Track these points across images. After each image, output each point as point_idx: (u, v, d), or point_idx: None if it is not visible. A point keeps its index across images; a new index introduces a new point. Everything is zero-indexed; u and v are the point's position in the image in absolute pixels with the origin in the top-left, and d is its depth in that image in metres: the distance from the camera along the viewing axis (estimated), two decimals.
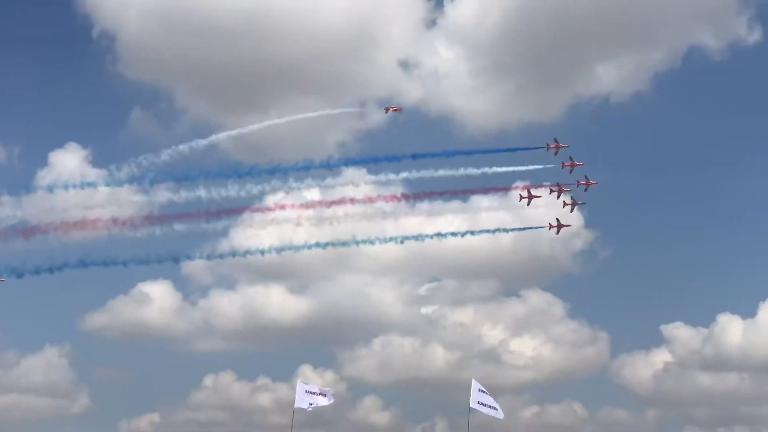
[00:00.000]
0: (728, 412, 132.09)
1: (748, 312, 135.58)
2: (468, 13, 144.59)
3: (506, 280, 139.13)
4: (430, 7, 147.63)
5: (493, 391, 64.07)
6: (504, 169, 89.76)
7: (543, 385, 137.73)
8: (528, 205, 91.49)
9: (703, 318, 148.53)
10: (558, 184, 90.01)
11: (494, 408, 62.30)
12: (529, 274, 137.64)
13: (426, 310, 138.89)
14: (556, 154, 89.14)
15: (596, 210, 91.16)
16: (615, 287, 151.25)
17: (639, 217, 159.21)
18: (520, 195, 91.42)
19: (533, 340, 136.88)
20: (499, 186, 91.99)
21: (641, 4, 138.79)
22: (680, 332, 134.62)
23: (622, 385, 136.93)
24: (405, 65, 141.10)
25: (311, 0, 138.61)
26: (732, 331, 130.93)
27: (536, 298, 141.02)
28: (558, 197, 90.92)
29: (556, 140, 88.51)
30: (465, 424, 62.77)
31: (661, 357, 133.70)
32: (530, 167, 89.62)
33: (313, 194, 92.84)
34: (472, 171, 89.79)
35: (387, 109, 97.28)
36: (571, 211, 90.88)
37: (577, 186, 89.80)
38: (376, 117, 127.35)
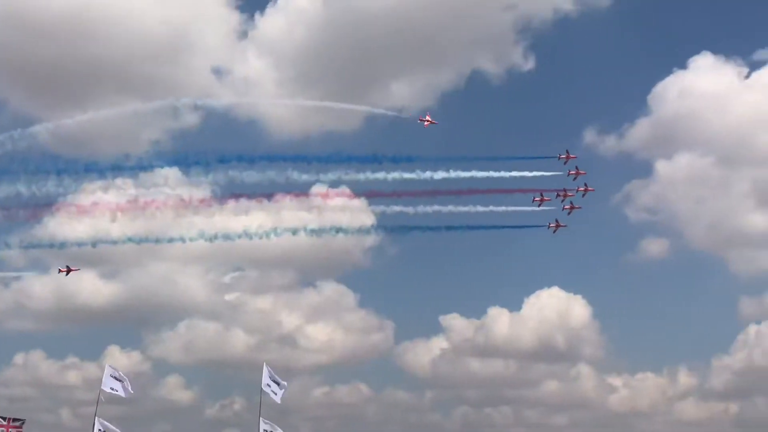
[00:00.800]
0: (495, 393, 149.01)
1: (514, 306, 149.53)
2: (277, 27, 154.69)
3: (304, 271, 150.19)
4: (243, 19, 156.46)
5: (288, 372, 73.02)
6: (306, 176, 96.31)
7: (334, 367, 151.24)
8: (539, 206, 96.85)
9: (476, 310, 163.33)
10: (564, 189, 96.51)
11: (275, 393, 69.62)
12: (324, 267, 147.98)
13: (229, 296, 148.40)
14: (565, 163, 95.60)
15: (387, 212, 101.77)
16: (401, 281, 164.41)
17: None
18: (533, 197, 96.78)
19: (326, 326, 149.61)
20: (299, 190, 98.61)
21: (432, 29, 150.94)
22: (456, 322, 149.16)
23: (404, 369, 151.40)
24: (217, 72, 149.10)
25: (131, 5, 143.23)
26: (500, 322, 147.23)
27: (330, 289, 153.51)
28: (563, 200, 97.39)
29: (567, 152, 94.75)
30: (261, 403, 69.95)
31: (438, 344, 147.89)
32: (536, 173, 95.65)
33: (128, 190, 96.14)
34: (277, 174, 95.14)
35: (422, 120, 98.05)
36: (569, 214, 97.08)
37: (577, 191, 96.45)
38: (190, 118, 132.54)
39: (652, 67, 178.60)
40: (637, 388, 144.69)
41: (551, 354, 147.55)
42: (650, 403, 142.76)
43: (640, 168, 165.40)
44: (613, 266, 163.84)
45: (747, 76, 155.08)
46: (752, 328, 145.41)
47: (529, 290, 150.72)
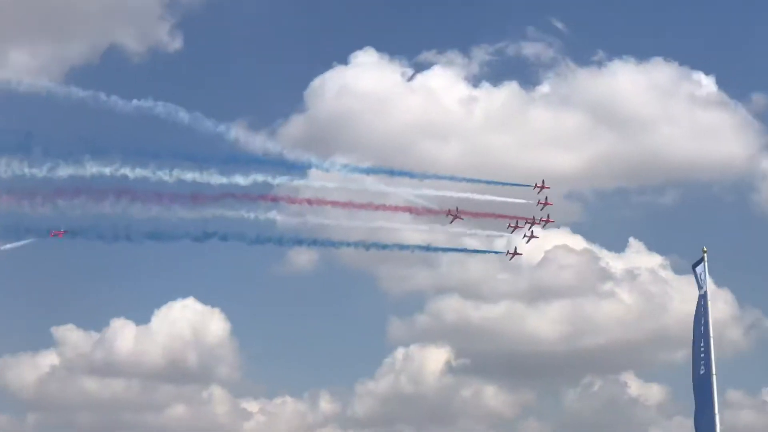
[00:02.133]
0: (113, 418, 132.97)
1: (142, 318, 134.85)
2: None
3: None
4: None
5: None
6: None
7: None
8: (512, 233, 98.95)
9: (96, 321, 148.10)
10: (533, 217, 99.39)
11: None
12: None
13: None
14: (539, 192, 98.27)
15: None
16: (2, 284, 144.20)
17: None
18: (509, 224, 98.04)
19: None
20: None
21: None
22: (71, 335, 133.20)
23: (3, 388, 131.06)
24: None
25: None
26: (125, 336, 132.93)
27: None
28: (530, 227, 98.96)
29: (543, 181, 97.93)
30: None
31: (48, 360, 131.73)
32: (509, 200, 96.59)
33: None
34: None
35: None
36: (527, 242, 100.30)
37: (540, 221, 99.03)
38: None
39: (311, 59, 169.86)
40: (274, 414, 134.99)
41: (181, 374, 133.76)
42: (288, 430, 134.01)
43: (293, 169, 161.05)
44: (258, 277, 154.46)
45: (411, 78, 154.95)
46: (400, 352, 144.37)
47: (161, 300, 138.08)
